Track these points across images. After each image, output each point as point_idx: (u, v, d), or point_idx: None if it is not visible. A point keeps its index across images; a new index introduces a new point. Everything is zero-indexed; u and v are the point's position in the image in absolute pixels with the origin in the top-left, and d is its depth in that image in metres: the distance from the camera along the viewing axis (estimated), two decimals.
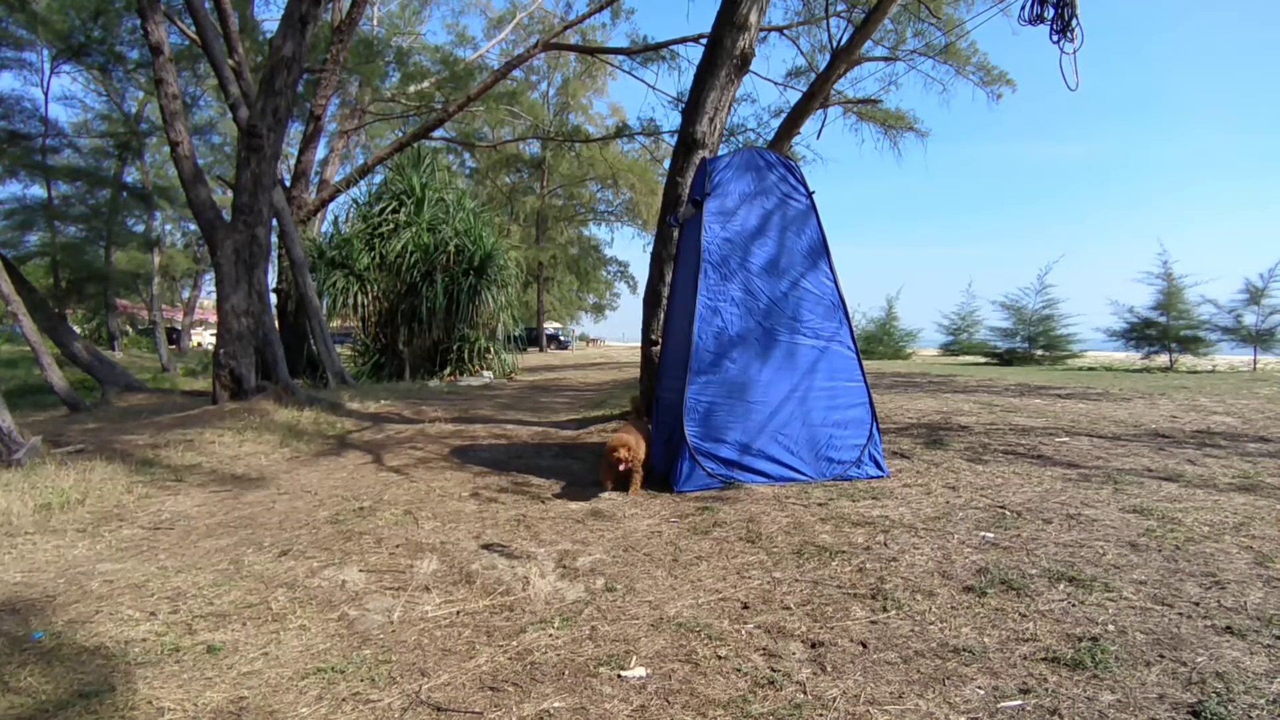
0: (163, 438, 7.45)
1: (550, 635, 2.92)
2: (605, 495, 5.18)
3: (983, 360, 22.90)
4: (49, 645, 2.90)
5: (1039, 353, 21.65)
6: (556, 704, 2.40)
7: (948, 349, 26.03)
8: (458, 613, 3.19)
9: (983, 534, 3.89)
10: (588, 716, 2.32)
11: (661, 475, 5.57)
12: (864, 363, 5.47)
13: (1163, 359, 18.87)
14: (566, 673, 2.61)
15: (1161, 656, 2.53)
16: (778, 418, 5.21)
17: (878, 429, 5.33)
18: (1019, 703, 2.31)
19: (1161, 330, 18.90)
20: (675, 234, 7.61)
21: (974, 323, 25.27)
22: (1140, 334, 19.54)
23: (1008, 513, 4.24)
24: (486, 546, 4.10)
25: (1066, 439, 6.39)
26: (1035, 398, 9.55)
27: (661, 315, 7.75)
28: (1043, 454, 5.80)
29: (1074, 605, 2.96)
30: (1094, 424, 7.18)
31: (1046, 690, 2.37)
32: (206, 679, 2.63)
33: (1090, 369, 18.14)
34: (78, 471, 5.80)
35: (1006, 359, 22.05)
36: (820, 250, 5.49)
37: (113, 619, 3.16)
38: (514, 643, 2.87)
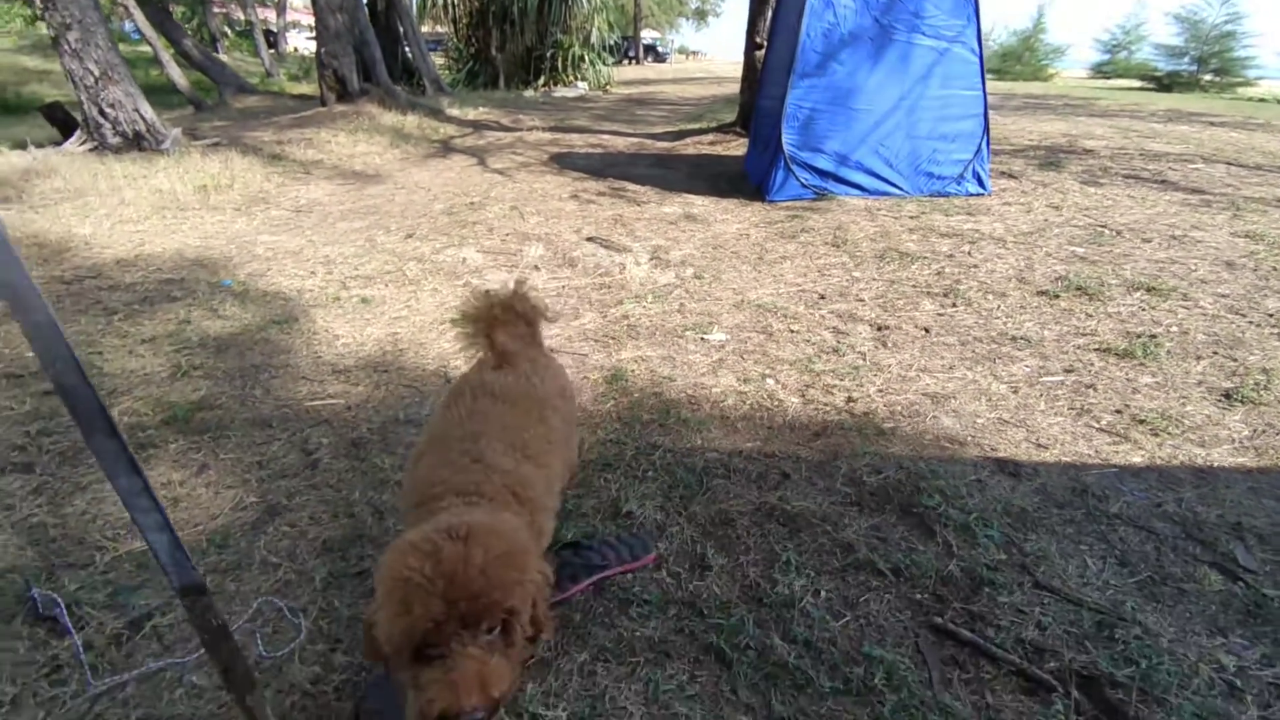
0: (284, 136, 7.92)
1: (644, 307, 3.33)
2: (697, 202, 5.35)
3: (1138, 85, 20.02)
4: (238, 290, 3.55)
5: (1206, 78, 18.66)
6: (649, 353, 2.86)
7: (1099, 70, 22.72)
8: (563, 287, 3.63)
9: (1073, 248, 3.90)
10: (674, 362, 2.77)
11: (755, 185, 5.63)
12: (994, 84, 5.02)
13: None
14: (658, 334, 3.04)
15: (1215, 353, 2.69)
16: (881, 128, 5.02)
17: (987, 144, 5.08)
18: (1060, 378, 2.58)
19: None
20: None
21: (1138, 39, 21.64)
22: None
23: (1107, 231, 4.18)
24: (587, 239, 4.46)
25: (1201, 166, 5.89)
26: (1183, 124, 8.56)
27: (769, 14, 7.12)
28: (1167, 179, 5.43)
29: (1144, 310, 3.08)
30: (1239, 154, 6.51)
31: (1089, 371, 2.61)
32: (365, 319, 3.22)
33: (1261, 99, 15.66)
34: (219, 161, 6.40)
35: (1166, 84, 19.16)
36: None
37: (282, 275, 3.79)
38: (613, 311, 3.30)
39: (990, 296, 3.33)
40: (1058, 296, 3.26)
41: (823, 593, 1.62)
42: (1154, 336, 2.82)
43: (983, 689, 1.38)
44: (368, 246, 4.34)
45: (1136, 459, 2.10)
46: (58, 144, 6.96)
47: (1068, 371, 2.62)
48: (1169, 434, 2.21)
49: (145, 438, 2.21)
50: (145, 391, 2.51)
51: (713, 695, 1.38)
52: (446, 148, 8.23)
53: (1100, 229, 4.23)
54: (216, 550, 1.77)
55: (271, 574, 1.71)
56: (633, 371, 2.69)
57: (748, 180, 5.97)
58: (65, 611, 1.53)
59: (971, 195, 5.13)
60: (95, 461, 1.99)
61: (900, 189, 5.14)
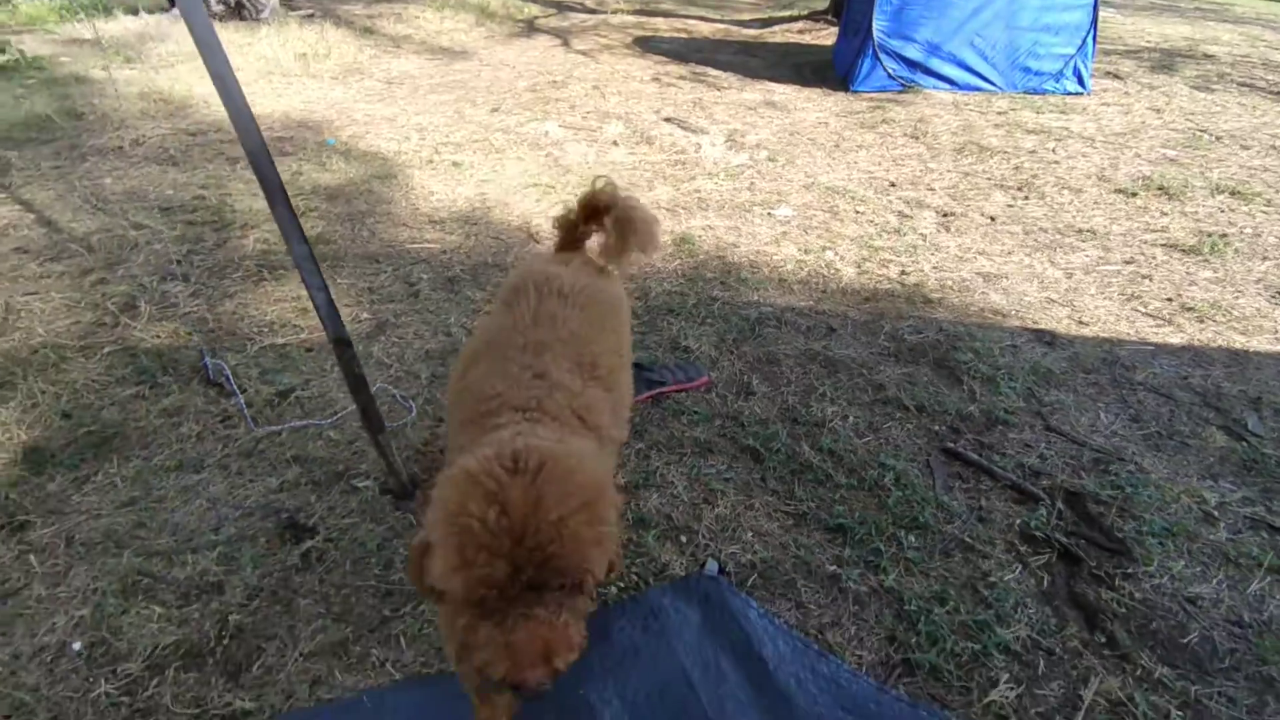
0: (374, 10, 8.05)
1: (716, 183, 3.47)
2: (778, 89, 5.30)
3: None
4: (341, 149, 3.85)
5: None
6: (717, 223, 3.03)
7: None
8: (640, 162, 3.79)
9: (1165, 151, 3.79)
10: (740, 232, 2.94)
11: (841, 75, 5.51)
12: None
13: None
14: (727, 207, 3.20)
15: None
16: (979, 17, 4.80)
17: (1094, 39, 4.80)
18: (1117, 268, 2.64)
19: None
20: None
21: None
22: None
23: (1207, 136, 4.00)
24: (665, 119, 4.55)
25: None
26: None
27: None
28: None
29: (1221, 212, 3.04)
30: None
31: (1150, 264, 2.66)
32: (456, 180, 3.48)
33: None
34: (316, 32, 6.62)
35: None
36: None
37: (379, 138, 4.06)
38: (686, 185, 3.45)
39: (1065, 192, 3.32)
40: (1135, 195, 3.23)
41: (850, 418, 1.85)
42: (1224, 236, 2.81)
43: (979, 496, 1.61)
44: (456, 117, 4.56)
45: (1175, 340, 2.21)
46: (166, 10, 7.31)
47: (1127, 263, 2.67)
48: (1214, 321, 2.29)
49: (276, 260, 2.57)
50: (271, 227, 2.86)
51: (745, 481, 1.65)
52: (530, 28, 8.21)
53: (1199, 133, 4.05)
54: None
55: (385, 370, 2.05)
56: (700, 237, 2.88)
57: (834, 70, 5.83)
58: (231, 377, 1.91)
59: (1069, 94, 4.91)
60: (239, 274, 2.35)
61: (992, 84, 4.97)
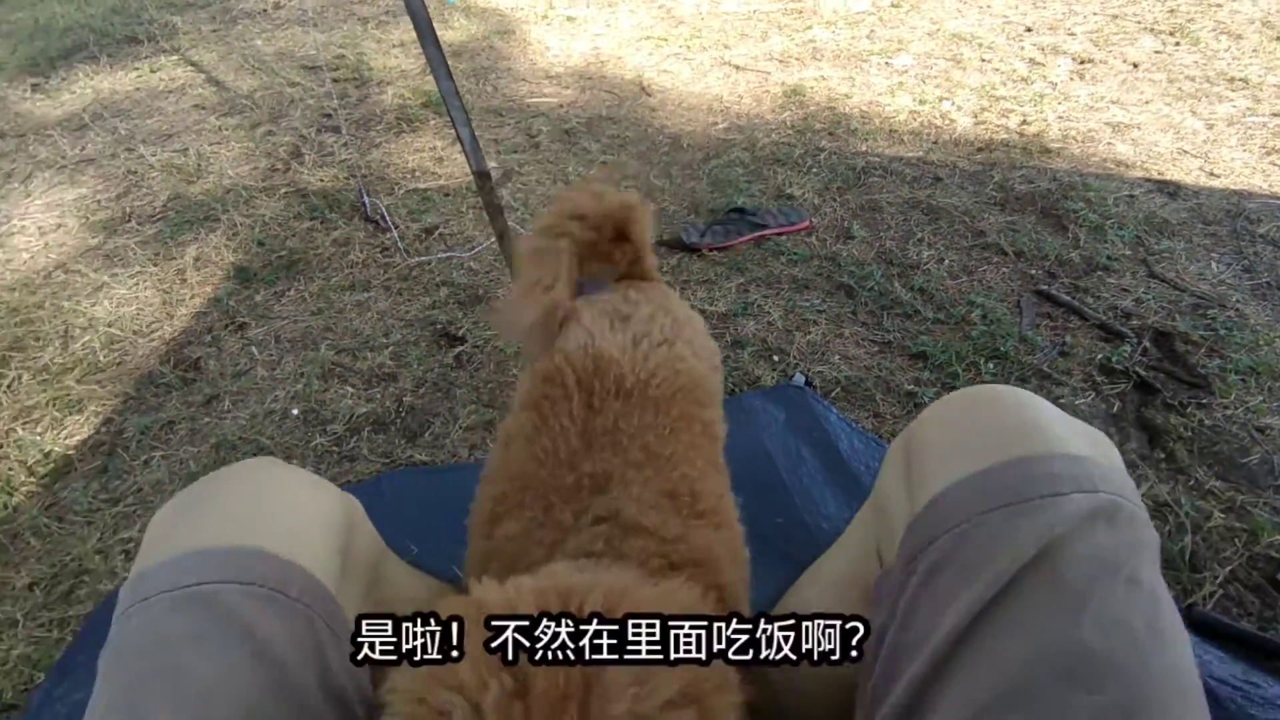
0: None
1: (833, 32, 3.36)
2: None
3: None
4: (461, 7, 3.96)
5: None
6: (830, 73, 2.99)
7: None
8: (754, 11, 3.69)
9: None
10: (853, 83, 2.90)
11: None
12: None
13: None
14: (842, 57, 3.13)
15: None
16: None
17: None
18: (1264, 119, 2.45)
19: None
20: None
21: None
22: None
23: None
24: None
25: None
26: None
27: None
28: None
29: None
30: None
31: None
32: (571, 35, 3.54)
33: None
34: None
35: None
36: None
37: None
38: (801, 35, 3.37)
39: (1223, 38, 3.00)
40: None
41: (946, 261, 1.93)
42: None
43: (1064, 334, 1.69)
44: None
45: None
46: None
47: (1276, 115, 2.46)
48: None
49: (412, 113, 2.80)
50: (405, 83, 3.08)
51: (837, 314, 1.80)
52: None
53: None
54: (473, 194, 2.36)
55: (513, 213, 2.28)
56: (811, 89, 2.86)
57: None
58: (386, 215, 2.20)
59: None
60: (381, 126, 2.59)
61: None
